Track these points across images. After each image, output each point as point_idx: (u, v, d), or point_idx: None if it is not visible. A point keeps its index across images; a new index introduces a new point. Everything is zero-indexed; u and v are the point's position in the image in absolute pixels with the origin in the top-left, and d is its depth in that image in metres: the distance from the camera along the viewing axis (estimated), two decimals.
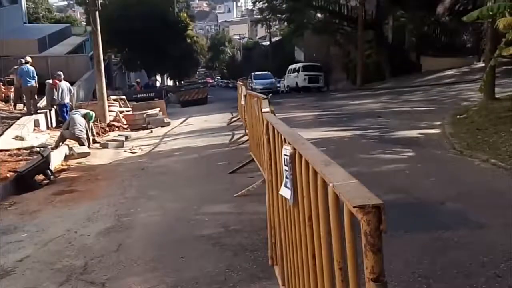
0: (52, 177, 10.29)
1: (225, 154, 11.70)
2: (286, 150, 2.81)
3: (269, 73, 40.46)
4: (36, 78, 18.65)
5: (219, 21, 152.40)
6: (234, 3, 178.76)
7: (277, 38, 71.39)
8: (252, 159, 9.45)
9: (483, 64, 29.38)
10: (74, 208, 7.87)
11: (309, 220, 2.32)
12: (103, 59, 31.11)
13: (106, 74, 24.26)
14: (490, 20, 19.16)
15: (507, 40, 12.95)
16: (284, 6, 35.97)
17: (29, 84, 18.33)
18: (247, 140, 12.36)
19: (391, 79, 31.32)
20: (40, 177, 10.18)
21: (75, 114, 14.37)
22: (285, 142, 2.95)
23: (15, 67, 19.23)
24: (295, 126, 12.59)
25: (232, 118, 19.36)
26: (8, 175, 10.54)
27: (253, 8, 38.75)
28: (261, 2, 36.39)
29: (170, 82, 62.39)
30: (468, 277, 4.25)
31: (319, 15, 38.02)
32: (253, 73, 38.78)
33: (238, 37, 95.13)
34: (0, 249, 6.04)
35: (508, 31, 13.20)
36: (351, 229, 1.46)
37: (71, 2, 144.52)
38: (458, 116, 14.22)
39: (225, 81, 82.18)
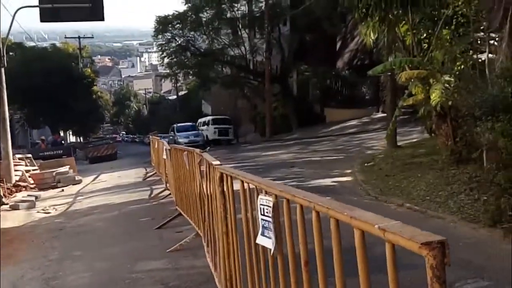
0: None
1: (147, 210, 11.56)
2: (264, 200, 2.92)
3: (194, 123, 36.90)
4: None
5: (123, 76, 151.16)
6: (138, 58, 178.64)
7: (183, 92, 72.00)
8: (179, 213, 9.45)
9: (382, 115, 31.41)
10: None
11: (305, 266, 2.43)
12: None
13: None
14: (389, 73, 20.77)
15: (409, 92, 14.03)
16: (192, 61, 36.55)
17: None
18: (169, 194, 12.33)
19: (298, 130, 32.49)
20: None
21: None
22: (262, 192, 3.02)
23: None
24: None
25: (147, 173, 19.16)
26: None
27: (162, 63, 38.85)
28: (169, 58, 36.76)
29: (73, 139, 60.57)
30: None
31: (226, 70, 38.99)
32: (175, 125, 35.29)
33: (144, 92, 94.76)
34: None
35: (409, 84, 14.31)
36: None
37: None
38: (366, 164, 15.03)
39: (131, 136, 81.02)
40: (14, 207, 13.75)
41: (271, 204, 2.83)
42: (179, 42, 36.12)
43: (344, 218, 2.00)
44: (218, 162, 4.66)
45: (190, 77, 43.86)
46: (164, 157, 11.79)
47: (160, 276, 6.47)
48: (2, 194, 14.84)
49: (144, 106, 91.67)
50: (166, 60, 37.61)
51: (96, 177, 20.29)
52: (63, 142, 36.33)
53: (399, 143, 19.03)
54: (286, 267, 2.80)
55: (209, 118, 37.37)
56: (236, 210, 4.06)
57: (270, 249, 2.92)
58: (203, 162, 6.01)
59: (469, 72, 11.64)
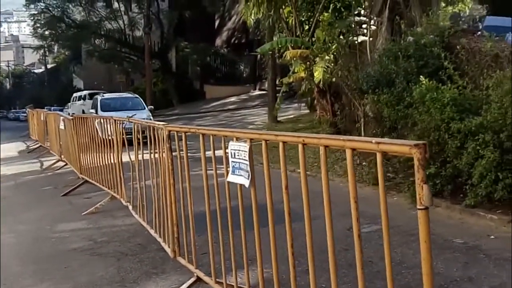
0: None
1: (45, 180, 11.57)
2: (236, 145, 3.59)
3: (137, 97, 22.08)
4: None
5: None
6: None
7: (51, 66, 68.52)
8: (85, 181, 9.71)
9: (260, 92, 32.84)
10: None
11: (285, 189, 3.17)
12: None
13: None
14: (270, 52, 21.97)
15: (293, 70, 15.20)
16: (68, 33, 35.22)
17: None
18: (65, 165, 12.40)
19: (179, 106, 32.91)
20: None
21: None
22: (233, 139, 3.68)
23: None
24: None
25: (28, 146, 18.64)
26: None
27: (35, 34, 36.88)
28: (43, 29, 35.08)
29: None
30: None
31: (103, 43, 38.08)
32: (99, 97, 21.15)
33: (6, 64, 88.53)
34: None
35: (292, 62, 15.49)
36: None
37: None
38: None
39: None
40: None
41: (246, 149, 3.51)
42: (54, 13, 34.61)
43: (338, 143, 2.76)
44: (164, 123, 5.20)
45: (65, 50, 42.18)
46: (62, 127, 11.79)
47: (85, 234, 6.86)
48: None
49: (7, 79, 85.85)
50: (39, 31, 35.86)
51: None
52: None
53: (278, 119, 20.38)
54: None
55: (85, 92, 36.23)
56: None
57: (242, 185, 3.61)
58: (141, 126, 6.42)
59: (348, 52, 12.95)
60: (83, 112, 34.53)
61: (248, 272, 3.74)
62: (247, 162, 3.50)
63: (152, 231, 5.81)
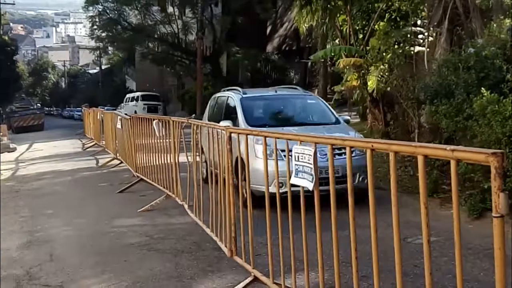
0: None
1: (101, 177, 11.94)
2: (300, 149, 3.66)
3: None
4: None
5: (37, 46, 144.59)
6: (54, 28, 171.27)
7: (105, 66, 70.36)
8: (140, 179, 9.96)
9: None
10: None
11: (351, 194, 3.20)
12: None
13: None
14: (322, 60, 21.95)
15: (346, 78, 15.16)
16: (124, 36, 36.17)
17: None
18: (120, 163, 12.73)
19: None
20: None
21: None
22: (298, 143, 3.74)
23: None
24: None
25: (84, 144, 19.24)
26: None
27: (92, 36, 37.98)
28: (100, 31, 36.16)
29: None
30: None
31: (156, 46, 38.86)
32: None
33: (62, 64, 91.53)
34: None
35: (344, 70, 15.46)
36: None
37: None
38: None
39: (47, 108, 78.23)
40: None
41: (310, 152, 3.57)
42: (111, 15, 35.62)
43: (408, 149, 2.78)
44: (227, 124, 5.33)
45: (119, 51, 43.31)
46: (118, 126, 12.14)
47: (142, 230, 7.06)
48: None
49: (62, 78, 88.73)
50: (97, 32, 36.95)
51: (30, 146, 20.05)
52: (1, 113, 34.66)
53: None
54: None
55: (138, 94, 37.21)
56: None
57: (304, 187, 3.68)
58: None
59: (404, 62, 12.83)
60: (135, 112, 35.48)
61: (308, 275, 3.79)
62: (312, 166, 3.55)
63: (208, 230, 5.93)
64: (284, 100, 9.79)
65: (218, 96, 10.54)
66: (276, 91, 9.84)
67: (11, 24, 70.57)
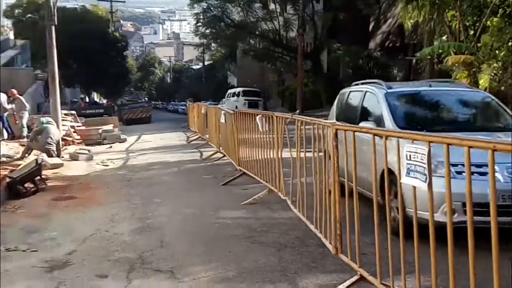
0: (41, 185, 10.43)
1: (205, 169, 12.32)
2: (413, 147, 3.59)
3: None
4: None
5: (145, 42, 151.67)
6: (160, 25, 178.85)
7: (208, 62, 72.47)
8: (243, 173, 10.17)
9: None
10: (88, 212, 8.22)
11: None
12: (43, 74, 30.75)
13: (47, 89, 24.11)
14: (429, 57, 21.17)
15: (455, 76, 14.54)
16: (227, 32, 37.09)
17: None
18: (223, 156, 13.07)
19: (328, 106, 32.98)
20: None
21: (49, 125, 14.41)
22: (410, 142, 3.64)
23: None
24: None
25: (188, 137, 19.94)
26: None
27: (197, 33, 39.29)
28: (204, 28, 37.35)
29: (98, 100, 61.51)
30: None
31: (257, 43, 39.43)
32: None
33: (168, 59, 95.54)
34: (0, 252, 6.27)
35: (454, 68, 14.83)
36: None
37: None
38: None
39: (153, 102, 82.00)
40: (74, 158, 14.62)
41: (424, 152, 3.48)
42: (214, 12, 36.62)
43: None
44: (333, 121, 5.31)
45: (222, 48, 44.44)
46: (222, 121, 12.47)
47: (246, 222, 7.21)
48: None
49: (168, 73, 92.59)
50: (201, 29, 38.18)
51: (139, 138, 21.11)
52: (114, 105, 37.00)
53: None
54: None
55: (240, 89, 37.98)
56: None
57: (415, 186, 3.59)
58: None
59: None
60: (236, 108, 36.28)
61: (419, 278, 3.69)
62: (425, 165, 3.46)
63: (312, 226, 5.95)
64: (443, 97, 7.80)
65: (351, 91, 8.74)
66: (430, 85, 8.12)
67: (121, 21, 74.75)
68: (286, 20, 36.65)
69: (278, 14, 36.72)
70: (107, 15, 52.68)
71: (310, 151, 6.22)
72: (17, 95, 18.20)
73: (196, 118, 19.80)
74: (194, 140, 18.40)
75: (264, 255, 5.76)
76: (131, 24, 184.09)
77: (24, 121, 18.49)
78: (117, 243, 6.45)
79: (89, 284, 5.11)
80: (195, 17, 38.54)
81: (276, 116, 8.05)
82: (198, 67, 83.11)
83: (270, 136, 8.36)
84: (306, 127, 6.42)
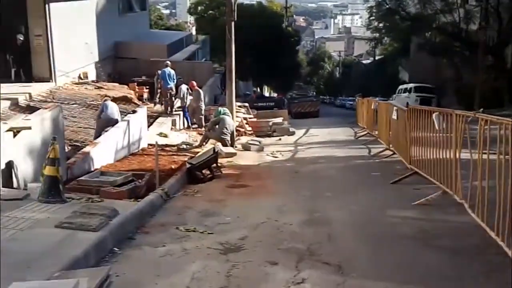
0: (217, 172, 11.10)
1: (373, 166, 12.08)
2: None
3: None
4: (175, 80, 20.09)
5: (316, 37, 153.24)
6: (332, 19, 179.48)
7: (378, 57, 70.94)
8: (414, 172, 9.78)
9: None
10: (259, 201, 8.56)
11: None
12: (221, 67, 32.63)
13: (223, 82, 25.42)
14: None
15: None
16: (402, 26, 35.91)
17: (168, 86, 19.77)
18: (392, 154, 12.70)
19: (510, 106, 30.39)
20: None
21: (226, 116, 15.27)
22: None
23: (159, 71, 20.59)
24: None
25: (356, 132, 19.75)
26: (172, 166, 11.57)
27: (370, 26, 38.65)
28: (378, 22, 36.57)
29: (267, 94, 63.66)
30: None
31: (432, 36, 37.57)
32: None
33: (338, 54, 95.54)
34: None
35: None
36: None
37: (173, 11, 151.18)
38: None
39: (321, 96, 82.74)
40: (246, 148, 15.32)
41: None
42: (389, 5, 35.62)
43: None
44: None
45: (394, 42, 43.18)
46: (394, 117, 12.11)
47: (417, 224, 6.94)
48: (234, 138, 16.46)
49: (337, 68, 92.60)
50: (374, 23, 37.45)
51: (306, 131, 21.43)
52: (284, 99, 38.23)
53: None
54: None
55: (411, 85, 36.55)
56: None
57: None
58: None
59: None
60: (407, 104, 35.01)
61: None
62: None
63: (492, 233, 5.52)
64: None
65: None
66: None
67: (294, 16, 76.33)
68: (467, 12, 34.35)
69: (458, 5, 34.54)
70: (282, 10, 54.25)
71: (494, 153, 5.76)
72: (196, 87, 19.52)
73: (365, 114, 19.51)
74: (362, 136, 18.14)
75: (436, 259, 5.49)
76: (303, 19, 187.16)
77: (202, 112, 19.76)
78: (287, 233, 6.62)
79: (260, 269, 5.31)
80: (368, 10, 37.86)
81: (456, 114, 7.59)
82: (368, 61, 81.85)
83: (447, 135, 7.90)
84: (491, 127, 5.94)
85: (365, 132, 18.74)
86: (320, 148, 15.84)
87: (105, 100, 14.50)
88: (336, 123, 25.72)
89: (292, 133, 20.34)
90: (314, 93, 71.60)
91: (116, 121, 13.44)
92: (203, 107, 19.76)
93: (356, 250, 5.88)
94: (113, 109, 13.90)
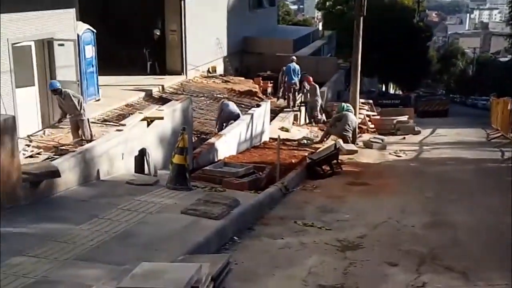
0: (337, 168, 11.00)
1: (507, 170, 11.27)
2: None
3: None
4: (299, 76, 20.18)
5: (449, 33, 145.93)
6: (468, 14, 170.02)
7: None
8: None
9: None
10: (379, 200, 8.36)
11: None
12: (345, 63, 32.24)
13: (348, 78, 25.05)
14: None
15: None
16: None
17: (292, 81, 19.92)
18: None
19: None
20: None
21: (349, 112, 15.11)
22: None
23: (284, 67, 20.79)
24: None
25: (489, 134, 18.57)
26: (292, 160, 11.67)
27: (510, 22, 36.07)
28: None
29: (392, 91, 61.78)
30: None
31: None
32: None
33: (472, 51, 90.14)
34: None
35: None
36: None
37: (301, 6, 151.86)
38: None
39: (451, 95, 78.75)
40: (367, 146, 15.01)
41: None
42: None
43: None
44: None
45: None
46: None
47: None
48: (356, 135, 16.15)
49: (470, 65, 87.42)
50: None
51: (433, 131, 20.52)
52: (411, 96, 37.07)
53: None
54: None
55: None
56: None
57: None
58: None
59: None
60: None
61: None
62: None
63: None
64: None
65: None
66: None
67: (427, 11, 73.27)
68: None
69: None
70: (414, 4, 52.29)
71: None
72: (312, 82, 19.46)
73: (500, 115, 18.25)
74: (495, 138, 17.01)
75: None
76: (436, 14, 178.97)
77: (318, 108, 19.65)
78: (408, 234, 6.43)
79: (378, 269, 5.21)
80: (509, 5, 35.32)
81: None
82: (505, 59, 76.32)
83: None
84: None
85: (498, 134, 17.55)
86: (448, 149, 15.07)
87: (223, 101, 15.01)
88: (466, 124, 24.32)
89: (418, 132, 19.55)
90: (443, 91, 68.31)
91: (238, 116, 13.81)
92: (319, 102, 19.64)
93: (483, 257, 5.56)
94: (233, 106, 14.36)
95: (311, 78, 19.68)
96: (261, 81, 23.82)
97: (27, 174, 6.46)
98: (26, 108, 10.91)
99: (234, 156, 12.02)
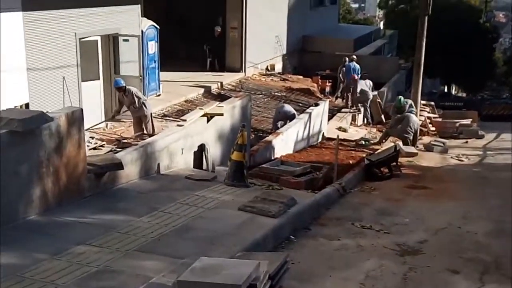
0: (396, 171, 10.78)
1: None
2: None
3: None
4: (359, 75, 19.92)
5: None
6: None
7: None
8: None
9: None
10: (440, 205, 8.13)
11: None
12: (406, 63, 31.56)
13: (409, 78, 24.48)
14: None
15: None
16: None
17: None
18: None
19: None
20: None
21: (411, 114, 14.78)
22: None
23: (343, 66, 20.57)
24: None
25: None
26: (350, 161, 11.52)
27: None
28: None
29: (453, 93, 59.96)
30: None
31: None
32: None
33: None
34: None
35: None
36: None
37: (362, 5, 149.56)
38: None
39: None
40: (428, 148, 14.65)
41: None
42: None
43: None
44: None
45: None
46: None
47: None
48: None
49: None
50: None
51: (498, 136, 19.78)
52: (475, 99, 36.02)
53: None
54: None
55: None
56: None
57: None
58: None
59: None
60: None
61: None
62: None
63: None
64: None
65: None
66: None
67: (494, 11, 70.58)
68: None
69: None
70: (481, 5, 50.62)
71: None
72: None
73: None
74: None
75: None
76: (503, 15, 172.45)
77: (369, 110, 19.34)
78: (470, 241, 6.23)
79: (439, 276, 5.07)
80: None
81: None
82: None
83: None
84: None
85: None
86: None
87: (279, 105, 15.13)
88: None
89: (481, 137, 18.89)
90: (508, 95, 65.78)
91: (294, 116, 13.74)
92: (370, 97, 19.26)
93: None
94: (289, 107, 14.38)
95: (356, 76, 19.40)
96: (320, 80, 23.64)
97: (92, 166, 6.65)
98: (91, 101, 11.22)
99: (290, 154, 11.98)
